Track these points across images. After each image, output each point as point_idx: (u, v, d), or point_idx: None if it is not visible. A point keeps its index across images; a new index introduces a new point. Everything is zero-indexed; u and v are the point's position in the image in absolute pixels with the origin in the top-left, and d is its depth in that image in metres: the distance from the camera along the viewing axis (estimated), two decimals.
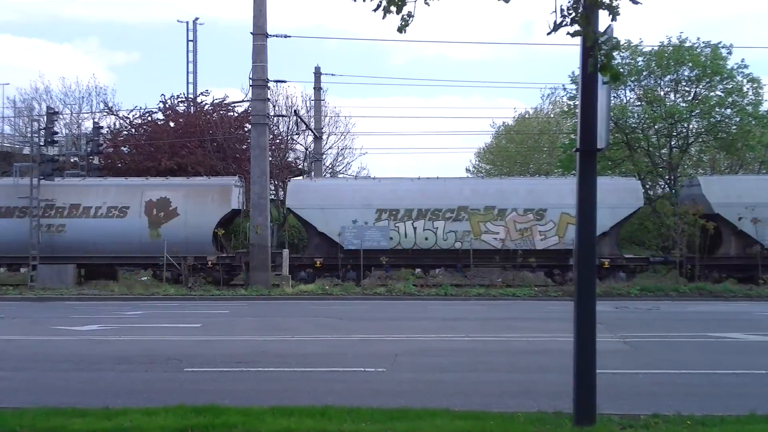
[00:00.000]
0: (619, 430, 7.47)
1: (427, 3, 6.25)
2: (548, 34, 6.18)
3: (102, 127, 35.67)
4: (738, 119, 33.22)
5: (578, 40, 6.95)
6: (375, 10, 6.28)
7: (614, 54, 6.32)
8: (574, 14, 6.02)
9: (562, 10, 6.08)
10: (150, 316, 19.04)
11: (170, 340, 14.45)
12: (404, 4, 6.21)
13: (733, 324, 16.74)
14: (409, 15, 6.35)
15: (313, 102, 40.62)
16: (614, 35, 6.62)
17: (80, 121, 43.43)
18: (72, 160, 34.08)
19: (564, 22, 6.07)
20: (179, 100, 39.63)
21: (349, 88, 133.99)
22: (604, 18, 6.38)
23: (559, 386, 9.22)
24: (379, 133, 54.88)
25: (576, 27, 6.06)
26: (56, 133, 30.64)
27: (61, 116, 39.15)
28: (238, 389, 9.85)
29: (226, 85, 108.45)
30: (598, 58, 6.22)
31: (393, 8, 6.22)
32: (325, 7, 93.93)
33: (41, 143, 28.10)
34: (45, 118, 30.44)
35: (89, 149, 32.40)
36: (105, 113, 41.20)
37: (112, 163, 36.09)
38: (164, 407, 8.29)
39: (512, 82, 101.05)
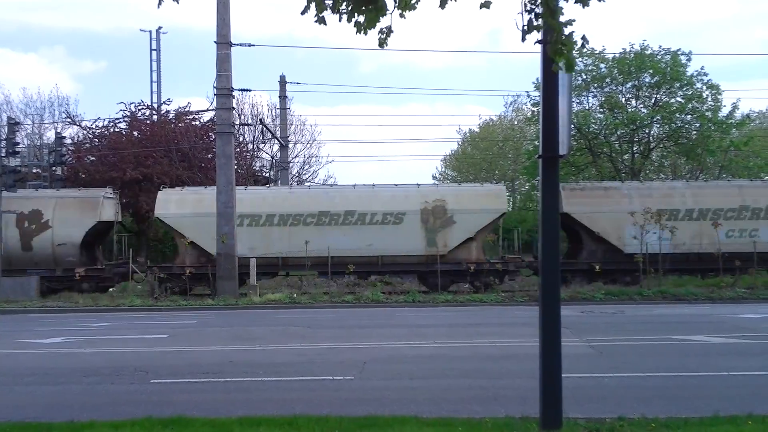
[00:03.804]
0: None
1: (402, 16, 6.27)
2: (523, 40, 6.20)
3: (64, 138, 35.24)
4: (698, 125, 33.86)
5: (539, 47, 7.06)
6: (359, 29, 6.30)
7: (573, 45, 6.34)
8: (539, 8, 6.06)
9: (526, 5, 6.11)
10: (116, 327, 18.84)
11: (137, 352, 14.31)
12: (376, 23, 6.23)
13: (697, 326, 16.97)
14: (389, 30, 6.38)
15: (278, 110, 40.57)
16: (575, 31, 6.70)
17: (42, 131, 42.96)
18: (34, 171, 33.66)
19: (532, 21, 6.09)
20: (140, 108, 39.31)
21: (317, 96, 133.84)
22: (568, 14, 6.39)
23: (527, 391, 9.30)
24: (347, 141, 55.05)
25: (541, 21, 6.09)
26: (18, 143, 30.20)
27: (22, 127, 38.65)
28: (206, 400, 9.80)
29: (192, 93, 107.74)
30: (557, 47, 6.26)
31: (364, 21, 6.24)
32: (294, 15, 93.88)
33: (2, 154, 27.70)
34: (6, 128, 30.05)
35: (52, 160, 32.01)
36: (67, 123, 40.77)
37: (75, 174, 35.68)
38: (131, 420, 8.24)
39: (479, 90, 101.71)
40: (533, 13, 6.09)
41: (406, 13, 6.20)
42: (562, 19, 6.19)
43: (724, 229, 25.91)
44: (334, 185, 28.61)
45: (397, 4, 6.18)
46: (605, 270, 26.60)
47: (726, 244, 25.89)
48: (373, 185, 27.93)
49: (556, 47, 6.21)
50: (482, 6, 6.16)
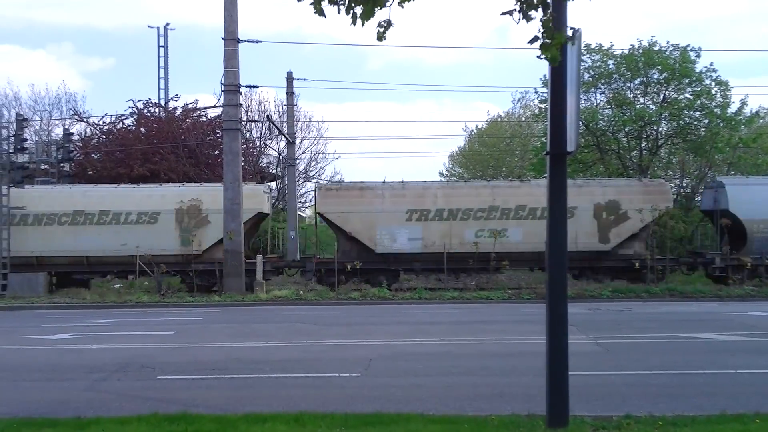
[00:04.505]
0: None
1: (401, 5, 6.18)
2: (519, 23, 6.19)
3: (72, 134, 35.32)
4: (707, 121, 33.67)
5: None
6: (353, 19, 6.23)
7: (561, 39, 6.33)
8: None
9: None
10: (123, 323, 18.87)
11: (143, 348, 14.34)
12: (373, 14, 6.16)
13: (704, 324, 16.92)
14: (388, 23, 6.31)
15: (285, 107, 40.55)
16: (568, 24, 6.67)
17: (50, 128, 43.08)
18: (42, 168, 33.76)
19: (519, 9, 6.08)
20: (148, 105, 39.36)
21: (325, 92, 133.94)
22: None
23: (533, 388, 9.30)
24: (355, 137, 54.61)
25: (533, 12, 6.07)
26: (26, 140, 30.35)
27: (30, 123, 38.76)
28: (212, 397, 9.81)
29: (199, 90, 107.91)
30: (544, 38, 6.23)
31: (361, 12, 6.16)
32: (303, 11, 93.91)
33: (11, 150, 27.79)
34: (14, 124, 30.13)
35: (60, 156, 32.09)
36: (75, 120, 40.87)
37: (83, 170, 35.75)
38: (137, 416, 8.25)
39: (487, 86, 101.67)
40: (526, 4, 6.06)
41: (405, 4, 6.13)
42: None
43: (473, 228, 26.15)
44: (97, 185, 29.11)
45: None
46: (362, 269, 26.60)
47: (474, 244, 26.03)
48: (134, 187, 28.22)
49: (543, 41, 6.20)
50: None
